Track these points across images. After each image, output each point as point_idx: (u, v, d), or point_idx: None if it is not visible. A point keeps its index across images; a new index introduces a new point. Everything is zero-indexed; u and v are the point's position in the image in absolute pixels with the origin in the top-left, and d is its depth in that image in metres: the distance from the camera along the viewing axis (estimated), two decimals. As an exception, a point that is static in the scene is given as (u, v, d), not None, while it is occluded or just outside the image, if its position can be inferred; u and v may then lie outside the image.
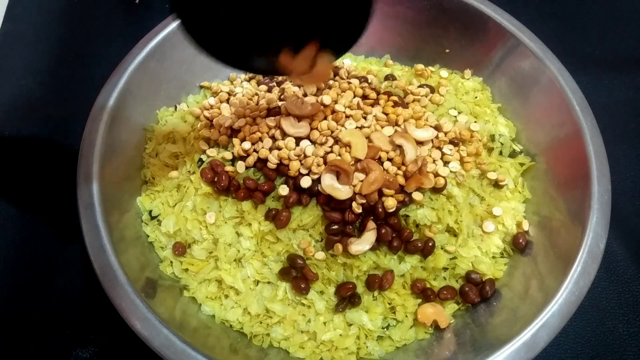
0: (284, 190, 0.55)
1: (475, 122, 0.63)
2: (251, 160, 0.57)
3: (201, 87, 0.70)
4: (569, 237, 0.53)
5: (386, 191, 0.53)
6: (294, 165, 0.55)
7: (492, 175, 0.59)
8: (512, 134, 0.65)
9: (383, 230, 0.53)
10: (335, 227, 0.54)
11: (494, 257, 0.58)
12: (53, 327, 0.60)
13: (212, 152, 0.60)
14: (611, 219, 0.52)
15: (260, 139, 0.57)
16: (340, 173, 0.53)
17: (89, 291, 0.62)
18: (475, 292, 0.55)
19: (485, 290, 0.54)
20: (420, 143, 0.58)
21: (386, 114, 0.59)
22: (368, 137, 0.57)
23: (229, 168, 0.57)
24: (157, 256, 0.58)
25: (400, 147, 0.56)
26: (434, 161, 0.58)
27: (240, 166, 0.57)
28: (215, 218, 0.56)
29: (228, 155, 0.59)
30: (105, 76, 0.61)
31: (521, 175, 0.63)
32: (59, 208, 0.68)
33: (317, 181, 0.54)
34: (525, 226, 0.58)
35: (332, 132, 0.57)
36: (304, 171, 0.55)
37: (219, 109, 0.64)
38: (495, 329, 0.51)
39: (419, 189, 0.55)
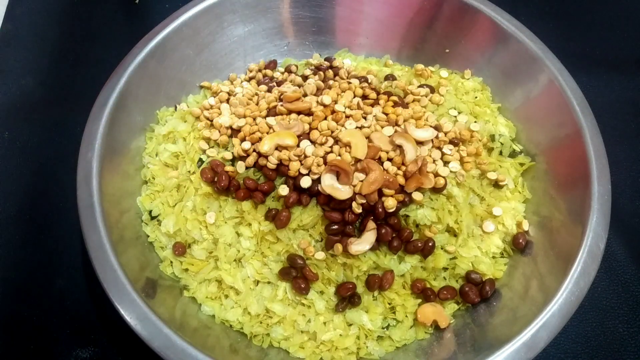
0: (284, 190, 0.55)
1: (475, 122, 0.63)
2: (251, 160, 0.57)
3: (201, 87, 0.70)
4: (569, 237, 0.53)
5: (386, 191, 0.53)
6: (294, 166, 0.55)
7: (492, 175, 0.59)
8: (512, 134, 0.65)
9: (383, 230, 0.53)
10: (335, 227, 0.54)
11: (494, 257, 0.58)
12: (53, 327, 0.60)
13: (212, 152, 0.60)
14: (611, 219, 0.52)
15: (260, 139, 0.57)
16: (340, 173, 0.53)
17: (89, 291, 0.62)
18: (475, 292, 0.55)
19: (485, 290, 0.54)
20: (420, 143, 0.58)
21: (386, 114, 0.59)
22: (368, 137, 0.57)
23: (229, 168, 0.57)
24: (157, 256, 0.58)
25: (400, 147, 0.56)
26: (434, 161, 0.58)
27: (240, 166, 0.57)
28: (215, 218, 0.56)
29: (228, 155, 0.59)
30: (105, 76, 0.61)
31: (521, 175, 0.63)
32: (59, 208, 0.68)
33: (317, 181, 0.54)
34: (525, 226, 0.58)
35: (332, 132, 0.57)
36: (304, 171, 0.55)
37: (219, 109, 0.64)
38: (495, 329, 0.51)
39: (419, 189, 0.55)
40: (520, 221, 0.59)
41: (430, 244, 0.54)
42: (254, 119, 0.60)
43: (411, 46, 0.74)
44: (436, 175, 0.56)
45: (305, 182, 0.54)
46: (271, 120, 0.59)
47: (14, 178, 0.71)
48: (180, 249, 0.56)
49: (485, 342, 0.49)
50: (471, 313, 0.55)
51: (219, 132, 0.60)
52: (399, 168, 0.55)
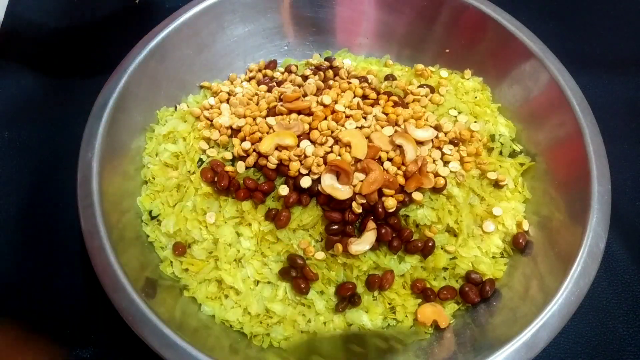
0: (284, 190, 0.55)
1: (475, 122, 0.63)
2: (251, 160, 0.57)
3: (201, 87, 0.70)
4: (569, 237, 0.53)
5: (386, 191, 0.53)
6: (294, 166, 0.55)
7: (492, 175, 0.59)
8: (512, 134, 0.65)
9: (383, 230, 0.53)
10: (335, 227, 0.54)
11: (494, 257, 0.58)
12: (53, 327, 0.60)
13: (212, 152, 0.60)
14: (611, 219, 0.52)
15: (260, 139, 0.57)
16: (340, 173, 0.53)
17: (89, 291, 0.62)
18: (475, 292, 0.55)
19: (485, 290, 0.54)
20: (420, 143, 0.58)
21: (386, 114, 0.59)
22: (368, 137, 0.57)
23: (229, 168, 0.57)
24: (157, 256, 0.58)
25: (400, 147, 0.56)
26: (434, 161, 0.58)
27: (240, 166, 0.57)
28: (215, 218, 0.56)
29: (228, 155, 0.59)
30: (105, 76, 0.61)
31: (521, 175, 0.63)
32: (59, 208, 0.68)
33: (317, 181, 0.54)
34: (525, 226, 0.58)
35: (332, 132, 0.57)
36: (304, 171, 0.55)
37: (219, 109, 0.64)
38: (495, 329, 0.51)
39: (419, 189, 0.55)
40: (520, 221, 0.59)
41: (430, 244, 0.54)
42: (254, 119, 0.60)
43: (411, 46, 0.73)
44: (436, 175, 0.56)
45: (305, 182, 0.54)
46: (271, 120, 0.59)
47: (14, 178, 0.71)
48: (181, 249, 0.56)
49: (485, 342, 0.49)
50: (471, 313, 0.55)
51: (219, 132, 0.60)
52: (398, 168, 0.55)
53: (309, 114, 0.60)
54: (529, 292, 0.52)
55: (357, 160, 0.54)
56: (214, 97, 0.67)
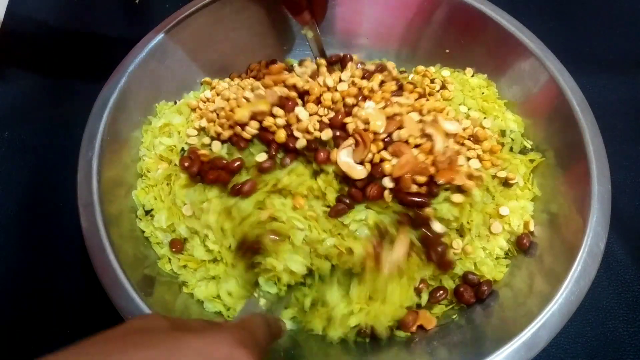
0: (261, 157, 0.53)
1: (485, 118, 0.62)
2: (226, 134, 0.55)
3: (202, 83, 0.70)
4: (569, 236, 0.53)
5: (418, 178, 0.51)
6: (280, 134, 0.53)
7: (501, 174, 0.58)
8: (521, 129, 0.64)
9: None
10: (347, 201, 0.52)
11: (497, 259, 0.57)
12: (53, 327, 0.60)
13: (193, 139, 0.59)
14: (611, 219, 0.52)
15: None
16: (357, 145, 0.51)
17: (89, 291, 0.62)
18: (471, 293, 0.54)
19: (482, 291, 0.54)
20: (447, 136, 0.56)
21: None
22: (393, 117, 0.54)
23: (204, 151, 0.56)
24: (154, 253, 0.57)
25: (429, 136, 0.53)
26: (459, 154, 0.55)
27: (215, 145, 0.56)
28: (191, 210, 0.56)
29: (206, 140, 0.58)
30: (105, 76, 0.61)
31: (531, 171, 0.61)
32: (59, 208, 0.68)
33: (313, 142, 0.52)
34: (532, 227, 0.57)
35: (335, 102, 0.54)
36: (298, 134, 0.53)
37: (214, 102, 0.63)
38: (494, 329, 0.51)
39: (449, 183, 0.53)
40: (528, 221, 0.58)
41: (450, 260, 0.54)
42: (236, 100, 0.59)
43: (411, 46, 0.73)
44: (469, 177, 0.54)
45: (300, 143, 0.52)
46: (249, 94, 0.57)
47: (14, 178, 0.71)
48: (178, 246, 0.56)
49: (484, 342, 0.49)
50: (470, 312, 0.55)
51: (207, 119, 0.60)
52: (427, 156, 0.53)
53: (303, 93, 0.57)
54: (529, 291, 0.52)
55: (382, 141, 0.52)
56: (211, 90, 0.67)
